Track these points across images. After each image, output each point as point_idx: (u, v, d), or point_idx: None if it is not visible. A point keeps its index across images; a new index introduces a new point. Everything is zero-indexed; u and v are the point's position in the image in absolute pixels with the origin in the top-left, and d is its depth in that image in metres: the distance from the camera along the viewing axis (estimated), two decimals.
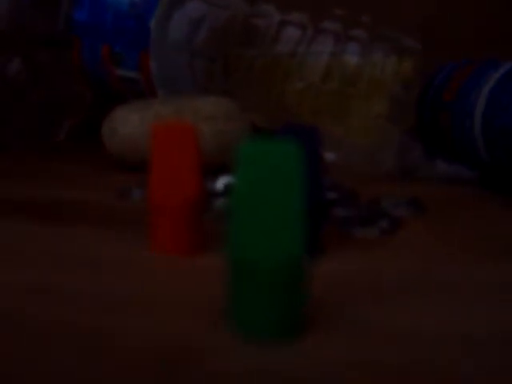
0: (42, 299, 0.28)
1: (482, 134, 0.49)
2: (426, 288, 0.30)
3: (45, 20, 0.57)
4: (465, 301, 0.28)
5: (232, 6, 0.54)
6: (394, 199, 0.42)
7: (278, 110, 0.53)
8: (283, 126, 0.31)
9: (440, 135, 0.53)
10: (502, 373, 0.22)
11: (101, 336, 0.25)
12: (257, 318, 0.23)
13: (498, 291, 0.29)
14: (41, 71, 0.58)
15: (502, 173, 0.49)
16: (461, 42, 0.67)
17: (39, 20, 0.57)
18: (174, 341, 0.24)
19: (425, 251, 0.35)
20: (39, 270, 0.31)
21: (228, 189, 0.44)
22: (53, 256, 0.33)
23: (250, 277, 0.23)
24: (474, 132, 0.49)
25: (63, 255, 0.33)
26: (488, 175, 0.52)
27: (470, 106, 0.50)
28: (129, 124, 0.52)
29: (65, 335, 0.25)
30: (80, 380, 0.22)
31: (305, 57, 0.52)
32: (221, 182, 0.44)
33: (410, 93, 0.51)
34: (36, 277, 0.30)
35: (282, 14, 0.53)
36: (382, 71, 0.50)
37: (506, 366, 0.23)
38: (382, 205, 0.41)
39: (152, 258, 0.33)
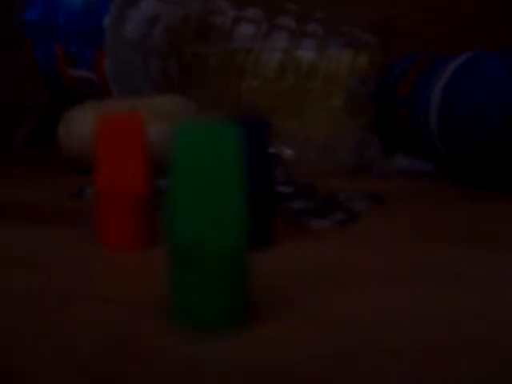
0: None
1: (438, 127, 0.49)
2: (375, 276, 0.29)
3: None
4: (406, 287, 0.28)
5: (187, 4, 0.53)
6: (352, 193, 0.42)
7: (235, 107, 0.53)
8: (235, 119, 0.30)
9: (397, 129, 0.52)
10: (446, 351, 0.22)
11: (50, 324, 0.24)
12: (198, 306, 0.22)
13: (448, 274, 0.29)
14: None
15: (460, 165, 0.49)
16: (422, 35, 0.67)
17: None
18: (112, 328, 0.24)
19: (378, 242, 0.34)
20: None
21: None
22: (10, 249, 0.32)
23: (190, 263, 0.22)
24: (430, 125, 0.49)
25: (8, 253, 0.32)
26: (446, 167, 0.52)
27: (425, 99, 0.49)
28: (83, 124, 0.51)
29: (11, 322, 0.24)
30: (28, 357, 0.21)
31: (259, 53, 0.51)
32: None
33: (366, 87, 0.51)
34: None
35: (236, 10, 0.52)
36: (337, 65, 0.50)
37: (452, 346, 0.23)
38: (339, 198, 0.41)
39: (98, 252, 0.32)
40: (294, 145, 0.51)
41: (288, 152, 0.51)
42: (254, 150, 0.30)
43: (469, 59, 0.49)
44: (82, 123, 0.51)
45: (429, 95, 0.49)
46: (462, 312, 0.25)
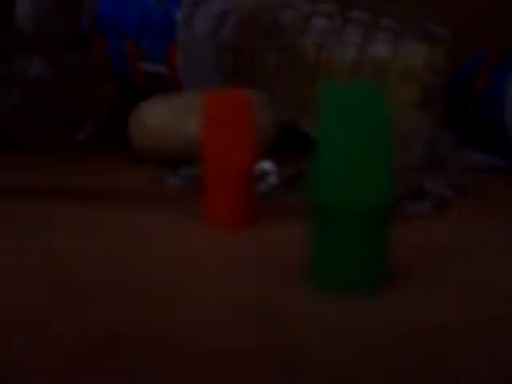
0: (114, 266, 0.27)
1: None
2: (491, 253, 0.29)
3: (69, 20, 0.57)
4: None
5: None
6: (435, 182, 0.42)
7: (305, 105, 0.53)
8: None
9: (470, 124, 0.52)
10: None
11: (177, 290, 0.24)
12: (339, 267, 0.22)
13: None
14: (65, 72, 0.58)
15: None
16: (499, 36, 0.67)
17: (63, 20, 0.57)
18: (255, 297, 0.24)
19: (479, 223, 0.34)
20: (112, 242, 0.31)
21: (267, 174, 0.43)
22: (114, 234, 0.33)
23: (338, 223, 0.22)
24: (505, 121, 0.49)
25: (125, 231, 0.33)
26: None
27: (500, 95, 0.49)
28: (156, 116, 0.51)
29: (140, 292, 0.24)
30: (153, 329, 0.21)
31: (333, 48, 0.51)
32: (259, 167, 0.43)
33: (440, 81, 0.51)
34: (111, 247, 0.30)
35: (309, 4, 0.53)
36: (412, 59, 0.50)
37: None
38: (424, 186, 0.41)
39: (211, 230, 0.32)
40: None
41: None
42: None
43: None
44: (154, 116, 0.51)
45: (504, 89, 0.49)
46: None
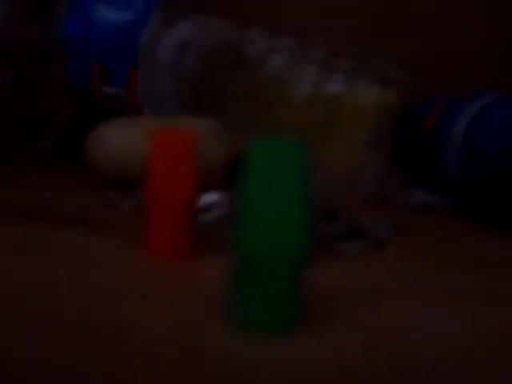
0: (49, 296, 0.28)
1: (458, 165, 0.50)
2: (409, 296, 0.31)
3: (36, 33, 0.58)
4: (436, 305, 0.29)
5: (221, 31, 0.55)
6: (373, 220, 0.43)
7: (261, 134, 0.54)
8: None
9: (418, 164, 0.54)
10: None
11: (119, 328, 0.25)
12: (260, 311, 0.24)
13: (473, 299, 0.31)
14: (29, 85, 0.59)
15: (478, 202, 0.51)
16: (457, 77, 0.68)
17: (30, 33, 0.58)
18: (175, 339, 0.25)
19: (407, 266, 0.36)
20: (45, 268, 0.32)
21: (213, 206, 0.44)
22: (53, 257, 0.34)
23: (259, 273, 0.24)
24: (449, 162, 0.51)
25: (60, 259, 0.34)
26: (464, 204, 0.53)
27: (445, 136, 0.51)
28: (113, 139, 0.52)
29: (61, 326, 0.25)
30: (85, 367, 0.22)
31: (289, 84, 0.53)
32: (205, 199, 0.45)
33: (391, 121, 0.53)
34: (43, 276, 0.31)
35: (269, 39, 0.54)
36: (364, 100, 0.52)
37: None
38: (362, 225, 0.42)
39: (148, 261, 0.33)
40: (317, 176, 0.53)
41: None
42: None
43: (495, 98, 0.50)
44: (113, 139, 0.52)
45: (449, 131, 0.51)
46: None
